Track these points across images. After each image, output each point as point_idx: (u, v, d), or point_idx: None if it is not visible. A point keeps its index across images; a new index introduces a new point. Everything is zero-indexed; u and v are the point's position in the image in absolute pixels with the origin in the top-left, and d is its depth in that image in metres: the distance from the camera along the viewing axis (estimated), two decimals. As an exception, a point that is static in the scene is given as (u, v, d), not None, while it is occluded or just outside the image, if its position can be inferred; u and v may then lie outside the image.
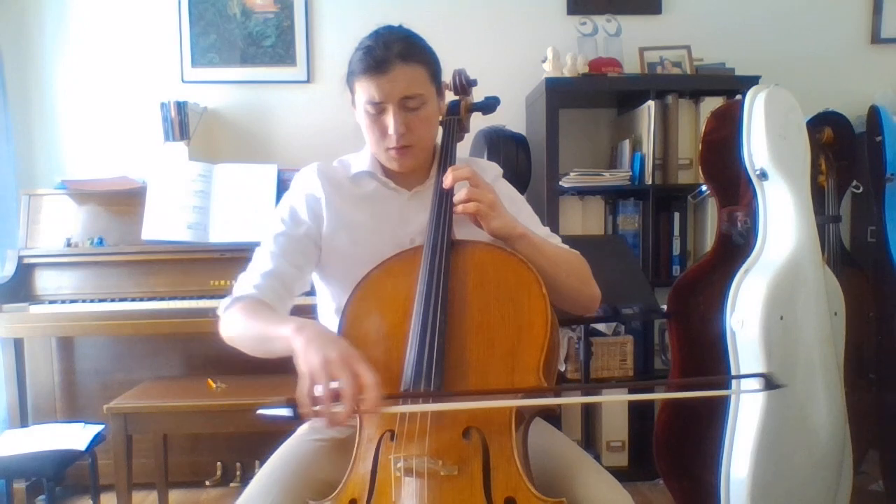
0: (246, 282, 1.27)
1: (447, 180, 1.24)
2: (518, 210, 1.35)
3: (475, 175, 1.24)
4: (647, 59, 2.85)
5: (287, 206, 1.36)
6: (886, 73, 3.02)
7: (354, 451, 1.10)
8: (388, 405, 1.02)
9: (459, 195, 1.21)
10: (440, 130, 1.41)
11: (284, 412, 0.98)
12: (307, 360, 0.99)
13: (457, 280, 1.17)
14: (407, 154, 1.30)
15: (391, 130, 1.26)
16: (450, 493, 1.01)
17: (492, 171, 1.44)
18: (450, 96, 1.46)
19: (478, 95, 1.50)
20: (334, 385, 0.97)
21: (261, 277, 1.27)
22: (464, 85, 1.46)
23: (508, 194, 1.39)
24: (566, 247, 1.36)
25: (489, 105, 1.49)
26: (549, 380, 1.10)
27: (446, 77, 1.44)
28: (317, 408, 0.97)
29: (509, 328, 1.12)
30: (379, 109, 1.27)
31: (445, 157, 1.35)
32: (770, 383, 1.09)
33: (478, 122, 2.72)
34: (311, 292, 1.46)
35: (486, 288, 1.16)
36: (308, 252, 1.33)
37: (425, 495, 1.01)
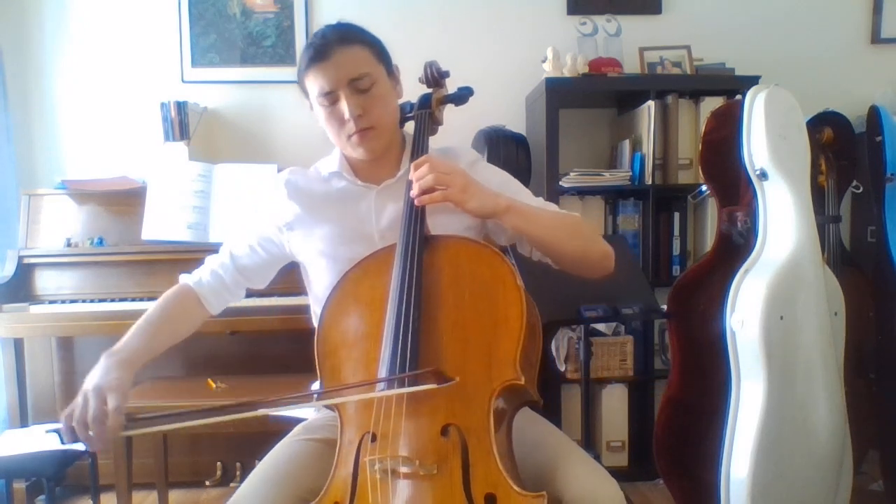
0: (203, 268, 1.41)
1: (414, 190, 1.17)
2: (506, 189, 1.29)
3: (434, 162, 1.16)
4: (647, 59, 2.85)
5: (255, 214, 1.44)
6: (886, 73, 3.02)
7: (336, 455, 1.10)
8: (134, 427, 1.11)
9: (423, 184, 1.15)
10: (412, 125, 1.39)
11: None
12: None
13: (431, 277, 1.15)
14: (369, 136, 1.29)
15: (347, 115, 1.26)
16: (429, 492, 1.01)
17: (467, 157, 1.40)
18: (423, 89, 1.43)
19: (468, 95, 1.45)
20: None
21: (210, 274, 1.40)
22: (436, 77, 1.43)
23: (490, 178, 1.31)
24: (564, 211, 1.33)
25: (461, 96, 1.43)
26: (527, 373, 1.08)
27: (418, 70, 1.43)
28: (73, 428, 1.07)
29: (485, 323, 1.10)
30: (332, 99, 1.27)
31: (417, 151, 1.31)
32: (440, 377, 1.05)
33: (478, 122, 2.75)
34: (304, 293, 1.47)
35: (461, 283, 1.14)
36: (256, 260, 1.42)
37: (405, 495, 1.01)
